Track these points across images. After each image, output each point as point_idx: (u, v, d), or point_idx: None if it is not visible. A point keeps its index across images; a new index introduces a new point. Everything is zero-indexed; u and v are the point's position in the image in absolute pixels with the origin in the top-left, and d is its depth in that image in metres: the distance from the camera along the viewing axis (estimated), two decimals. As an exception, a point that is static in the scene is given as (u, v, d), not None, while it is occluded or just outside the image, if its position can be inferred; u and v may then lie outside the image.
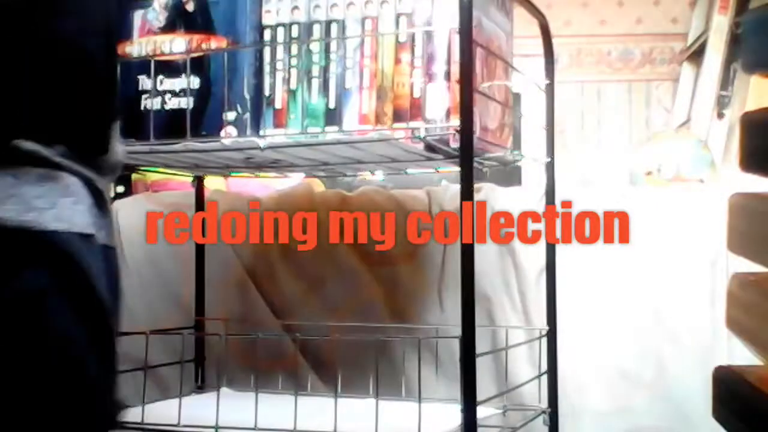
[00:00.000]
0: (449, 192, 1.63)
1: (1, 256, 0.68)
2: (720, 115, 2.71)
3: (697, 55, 3.06)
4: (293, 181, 1.80)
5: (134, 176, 2.14)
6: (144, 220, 1.61)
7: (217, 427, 1.16)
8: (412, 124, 1.07)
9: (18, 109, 0.71)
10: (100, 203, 0.76)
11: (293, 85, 1.12)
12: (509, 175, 2.29)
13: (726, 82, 2.74)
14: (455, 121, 1.05)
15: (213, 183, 1.88)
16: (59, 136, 0.72)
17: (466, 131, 1.03)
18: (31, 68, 0.71)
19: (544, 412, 1.33)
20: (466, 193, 1.04)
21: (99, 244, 0.74)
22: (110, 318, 0.75)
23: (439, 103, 1.07)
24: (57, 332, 0.70)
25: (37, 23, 0.71)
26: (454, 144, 1.06)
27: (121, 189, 2.18)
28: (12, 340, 0.68)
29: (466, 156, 1.03)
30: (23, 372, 0.69)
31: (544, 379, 1.35)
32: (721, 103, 2.73)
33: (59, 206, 0.71)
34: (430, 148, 1.07)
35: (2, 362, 0.68)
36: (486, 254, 1.57)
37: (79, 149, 0.74)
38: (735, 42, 2.72)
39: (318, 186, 1.92)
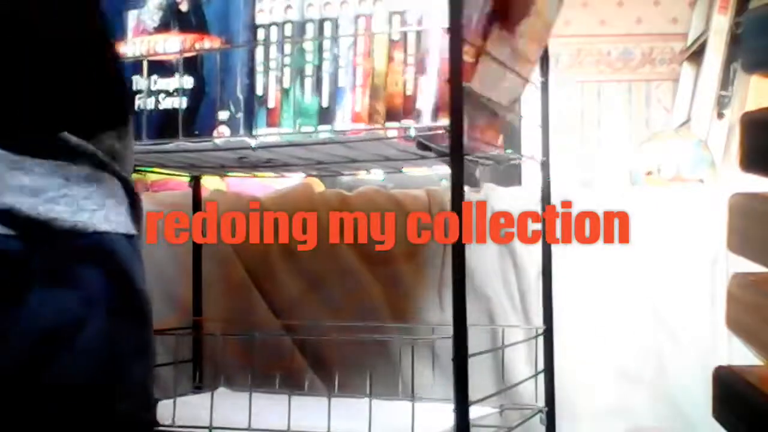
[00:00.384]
0: (449, 192, 1.63)
1: (57, 254, 0.68)
2: (720, 115, 2.71)
3: (697, 55, 3.05)
4: (293, 180, 1.80)
5: (134, 176, 2.14)
6: (143, 220, 1.60)
7: (211, 428, 1.16)
8: (405, 122, 1.06)
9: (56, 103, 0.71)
10: (135, 204, 0.77)
11: (286, 84, 1.12)
12: (510, 175, 2.29)
13: (726, 82, 2.73)
14: (445, 120, 1.04)
15: (213, 183, 1.88)
16: (89, 130, 0.73)
17: (455, 130, 1.02)
18: (35, 66, 0.71)
19: (540, 411, 1.33)
20: (457, 193, 1.03)
21: (139, 245, 0.75)
22: (151, 319, 0.75)
23: (432, 101, 1.06)
24: (111, 333, 0.70)
25: (38, 21, 0.71)
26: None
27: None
28: (68, 338, 0.68)
29: (456, 154, 1.03)
30: (76, 372, 0.69)
31: (542, 378, 1.34)
32: (721, 103, 2.72)
33: (107, 207, 0.72)
34: (422, 146, 1.06)
35: (56, 361, 0.68)
36: (486, 254, 1.57)
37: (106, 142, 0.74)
38: (735, 42, 2.71)
39: (318, 186, 1.92)
